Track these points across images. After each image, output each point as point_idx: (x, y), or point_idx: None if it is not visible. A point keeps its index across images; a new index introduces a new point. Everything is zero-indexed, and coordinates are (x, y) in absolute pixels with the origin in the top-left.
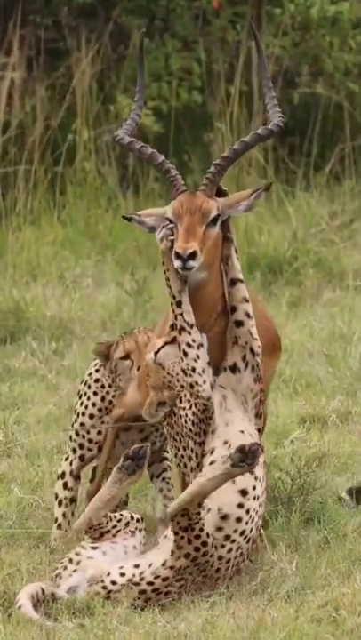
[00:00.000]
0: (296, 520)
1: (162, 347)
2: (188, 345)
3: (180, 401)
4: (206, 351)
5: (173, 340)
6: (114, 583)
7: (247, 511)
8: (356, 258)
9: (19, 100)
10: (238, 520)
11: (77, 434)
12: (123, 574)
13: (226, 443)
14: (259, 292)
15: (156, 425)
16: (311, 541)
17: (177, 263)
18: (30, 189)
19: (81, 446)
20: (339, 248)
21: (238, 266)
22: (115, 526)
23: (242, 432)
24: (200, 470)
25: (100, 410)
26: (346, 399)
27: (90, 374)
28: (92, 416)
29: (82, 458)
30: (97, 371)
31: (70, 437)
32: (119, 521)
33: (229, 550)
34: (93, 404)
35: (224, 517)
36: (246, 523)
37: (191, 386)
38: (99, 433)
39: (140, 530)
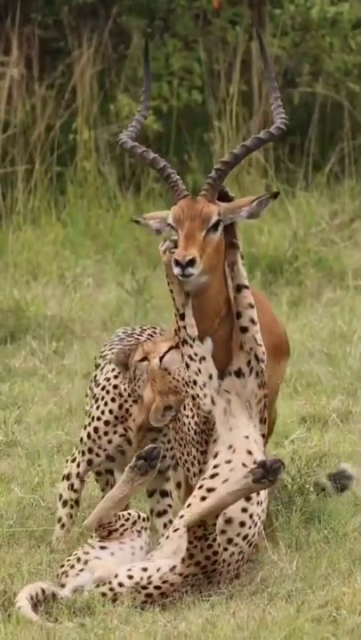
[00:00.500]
0: (296, 520)
1: (167, 351)
2: (190, 358)
3: (184, 408)
4: (211, 360)
5: (178, 345)
6: (121, 585)
7: (250, 516)
8: (357, 257)
9: (19, 99)
10: (242, 524)
11: (89, 437)
12: (130, 577)
13: (230, 447)
14: (259, 292)
15: (164, 430)
16: (311, 541)
17: (176, 270)
18: (30, 189)
19: (90, 450)
20: (339, 248)
21: (244, 272)
22: (122, 525)
23: (247, 437)
24: (202, 474)
25: (116, 417)
26: (346, 399)
27: (108, 379)
28: (107, 422)
29: (89, 462)
30: (115, 377)
31: (81, 439)
32: (127, 520)
33: (232, 554)
34: (110, 411)
35: (228, 521)
36: (249, 527)
37: (193, 398)
38: (109, 442)
39: (145, 529)
